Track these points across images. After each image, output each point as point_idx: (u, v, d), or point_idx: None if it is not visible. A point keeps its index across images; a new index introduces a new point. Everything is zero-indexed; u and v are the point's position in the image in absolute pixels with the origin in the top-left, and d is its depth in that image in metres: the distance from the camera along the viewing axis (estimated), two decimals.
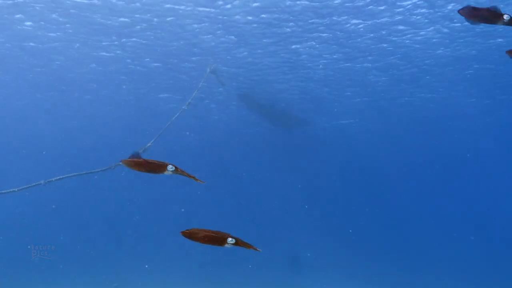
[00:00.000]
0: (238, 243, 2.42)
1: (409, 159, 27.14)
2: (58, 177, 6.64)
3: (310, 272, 18.47)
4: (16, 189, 6.46)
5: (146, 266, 17.40)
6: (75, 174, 6.88)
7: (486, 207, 31.17)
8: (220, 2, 9.77)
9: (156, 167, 2.58)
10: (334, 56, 12.86)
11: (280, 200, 31.06)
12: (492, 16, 2.50)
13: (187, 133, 22.03)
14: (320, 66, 13.51)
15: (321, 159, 25.75)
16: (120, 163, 2.63)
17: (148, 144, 6.95)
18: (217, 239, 2.41)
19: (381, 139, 22.51)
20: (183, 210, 24.52)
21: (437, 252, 25.06)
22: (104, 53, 13.09)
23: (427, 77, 14.46)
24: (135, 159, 2.56)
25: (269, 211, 30.30)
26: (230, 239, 2.39)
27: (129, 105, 18.40)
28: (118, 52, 12.95)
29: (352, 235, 25.54)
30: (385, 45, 12.00)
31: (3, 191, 6.45)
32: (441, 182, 30.24)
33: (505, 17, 2.48)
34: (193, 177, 2.63)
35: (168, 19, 10.62)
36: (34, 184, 6.63)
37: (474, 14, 2.51)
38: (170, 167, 2.56)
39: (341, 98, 16.76)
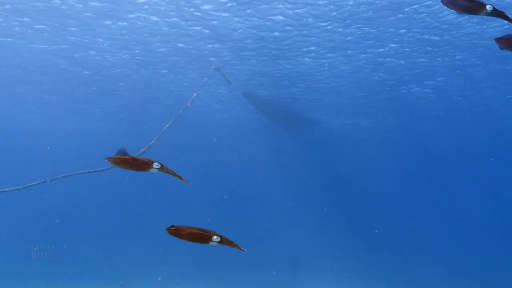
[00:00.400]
0: (223, 241, 2.36)
1: (414, 160, 26.90)
2: (63, 175, 6.67)
3: (311, 273, 18.39)
4: (20, 187, 6.48)
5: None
6: (81, 172, 6.93)
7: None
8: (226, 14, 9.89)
9: (142, 165, 2.48)
10: (339, 58, 12.85)
11: (282, 201, 31.00)
12: (474, 6, 2.41)
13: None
14: (326, 64, 13.48)
15: (325, 160, 25.64)
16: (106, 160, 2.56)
17: (152, 142, 6.98)
18: (202, 237, 2.36)
19: (383, 139, 22.36)
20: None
21: (439, 252, 24.83)
22: (108, 57, 13.18)
23: (431, 77, 14.41)
24: (119, 156, 2.49)
25: (271, 212, 30.27)
26: (215, 237, 2.34)
27: (134, 106, 18.51)
28: (125, 56, 13.04)
29: (353, 236, 25.40)
30: (393, 45, 11.97)
31: (7, 189, 6.48)
32: (446, 182, 29.96)
33: (488, 7, 2.39)
34: (180, 177, 2.54)
35: (173, 19, 10.68)
36: (40, 181, 6.66)
37: (455, 3, 2.42)
38: (155, 165, 2.46)
39: (345, 98, 16.70)
